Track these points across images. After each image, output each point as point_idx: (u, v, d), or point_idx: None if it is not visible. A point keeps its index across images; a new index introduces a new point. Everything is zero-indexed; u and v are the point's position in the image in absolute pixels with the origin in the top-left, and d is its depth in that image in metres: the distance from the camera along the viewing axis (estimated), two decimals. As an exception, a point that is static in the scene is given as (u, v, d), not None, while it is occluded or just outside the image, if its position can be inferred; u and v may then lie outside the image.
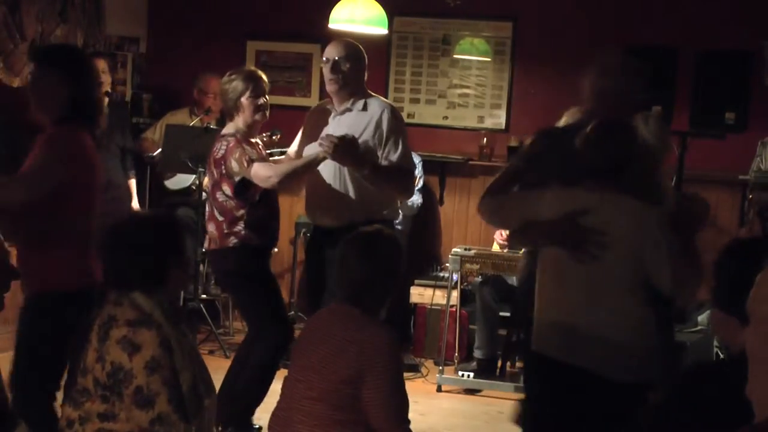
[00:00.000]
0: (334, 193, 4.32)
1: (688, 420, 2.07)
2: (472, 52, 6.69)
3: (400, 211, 6.27)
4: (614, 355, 3.14)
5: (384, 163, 4.26)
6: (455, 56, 6.82)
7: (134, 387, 2.58)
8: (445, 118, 7.01)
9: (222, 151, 4.35)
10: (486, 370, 5.91)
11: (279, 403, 3.05)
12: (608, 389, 3.13)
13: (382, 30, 5.36)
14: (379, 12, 5.20)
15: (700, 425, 2.03)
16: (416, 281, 6.51)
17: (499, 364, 5.97)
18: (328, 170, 4.30)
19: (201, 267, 6.28)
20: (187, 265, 2.81)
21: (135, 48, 7.23)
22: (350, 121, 4.31)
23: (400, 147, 4.28)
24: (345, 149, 4.10)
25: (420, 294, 6.47)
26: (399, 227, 6.29)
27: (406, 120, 6.96)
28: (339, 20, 5.20)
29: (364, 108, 4.31)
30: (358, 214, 4.23)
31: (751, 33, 6.22)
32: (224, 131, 4.46)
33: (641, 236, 3.13)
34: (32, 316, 3.45)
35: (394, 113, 4.35)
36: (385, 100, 4.46)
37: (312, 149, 4.31)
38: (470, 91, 6.96)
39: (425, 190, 6.70)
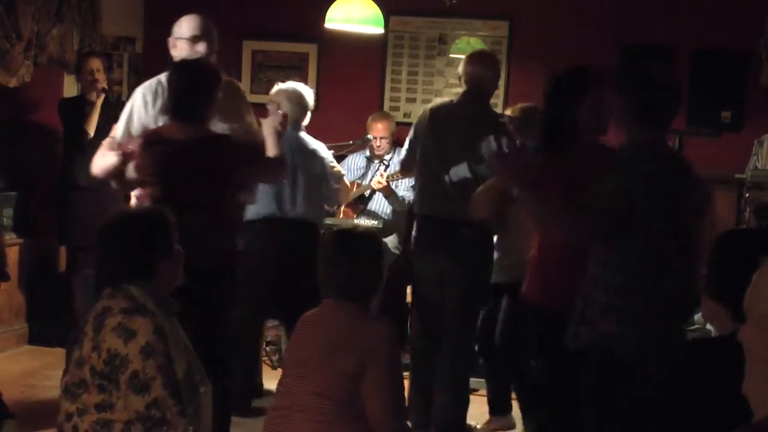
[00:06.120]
0: None
1: (688, 394, 2.08)
2: (469, 52, 6.67)
3: (391, 207, 6.28)
4: None
5: None
6: (451, 55, 6.80)
7: (130, 372, 2.62)
8: (442, 117, 6.98)
9: None
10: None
11: (276, 401, 3.04)
12: None
13: (378, 29, 5.37)
14: (375, 11, 5.20)
15: (700, 399, 2.04)
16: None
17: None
18: None
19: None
20: (178, 259, 2.84)
21: (131, 48, 7.21)
22: None
23: None
24: None
25: (417, 293, 6.43)
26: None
27: (403, 119, 6.98)
28: (335, 20, 5.20)
29: None
30: None
31: (747, 32, 6.22)
32: None
33: None
34: None
35: None
36: None
37: None
38: (466, 91, 6.94)
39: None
